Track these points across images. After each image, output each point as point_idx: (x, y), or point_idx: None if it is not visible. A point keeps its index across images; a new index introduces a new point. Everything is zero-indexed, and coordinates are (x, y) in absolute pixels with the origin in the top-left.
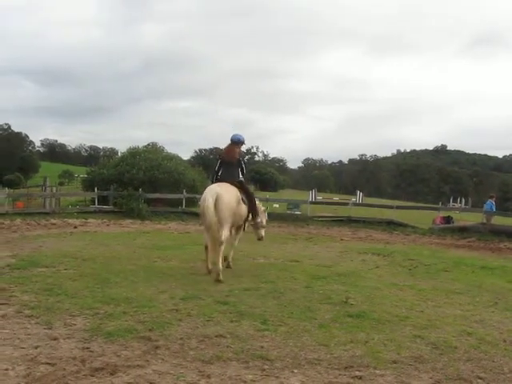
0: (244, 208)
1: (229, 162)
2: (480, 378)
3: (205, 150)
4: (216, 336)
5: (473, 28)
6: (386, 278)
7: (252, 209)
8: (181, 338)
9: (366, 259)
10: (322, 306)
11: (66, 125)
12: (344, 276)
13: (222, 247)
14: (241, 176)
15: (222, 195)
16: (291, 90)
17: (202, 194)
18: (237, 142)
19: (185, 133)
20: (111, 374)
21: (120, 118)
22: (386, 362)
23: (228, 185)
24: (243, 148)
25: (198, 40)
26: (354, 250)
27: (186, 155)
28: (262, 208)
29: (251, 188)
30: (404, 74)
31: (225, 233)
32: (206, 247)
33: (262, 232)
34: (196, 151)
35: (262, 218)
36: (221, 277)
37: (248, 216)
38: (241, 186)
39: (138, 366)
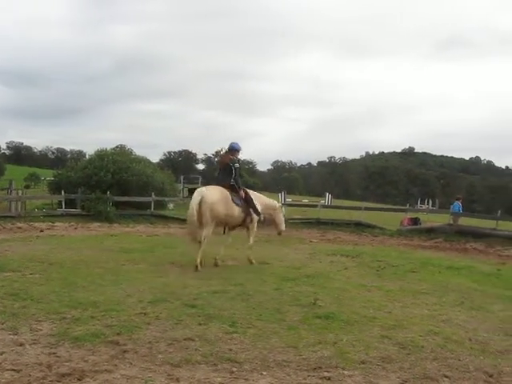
0: (237, 209)
1: (222, 168)
2: (446, 377)
3: (174, 152)
4: (184, 339)
5: (441, 31)
6: (355, 280)
7: (250, 209)
8: (149, 342)
9: (334, 261)
10: (290, 307)
11: (32, 127)
12: (313, 277)
13: (201, 245)
14: (232, 180)
15: (206, 197)
16: (262, 92)
17: (171, 196)
18: (231, 149)
19: (156, 135)
20: (78, 380)
21: (89, 120)
22: (354, 363)
23: (217, 188)
24: (241, 155)
25: (170, 41)
26: (323, 252)
27: (156, 158)
28: (278, 205)
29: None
30: (373, 76)
31: (204, 232)
32: (200, 241)
33: (283, 226)
34: (165, 154)
35: (279, 216)
36: (199, 268)
37: (247, 216)
38: (232, 189)
39: (105, 370)
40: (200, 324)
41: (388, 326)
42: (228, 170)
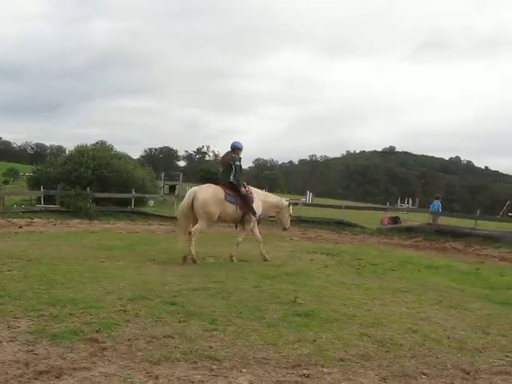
0: (231, 206)
1: (224, 166)
2: (424, 375)
3: (155, 149)
4: (164, 336)
5: (423, 33)
6: (335, 278)
7: (245, 207)
8: (128, 339)
9: (314, 259)
10: (270, 305)
11: (11, 122)
12: (293, 275)
13: (191, 237)
14: (231, 178)
15: (198, 194)
16: (243, 89)
17: (151, 193)
18: (233, 148)
19: (136, 131)
20: (56, 378)
21: (69, 115)
22: (333, 360)
23: (210, 186)
24: (243, 153)
25: (151, 38)
26: (304, 250)
27: (136, 154)
28: (285, 203)
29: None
30: (355, 75)
31: (196, 226)
32: (190, 233)
33: (288, 224)
34: (146, 150)
35: (285, 214)
36: (195, 258)
37: (245, 213)
38: (231, 187)
39: (84, 368)
40: (180, 321)
41: (367, 324)
42: (229, 168)
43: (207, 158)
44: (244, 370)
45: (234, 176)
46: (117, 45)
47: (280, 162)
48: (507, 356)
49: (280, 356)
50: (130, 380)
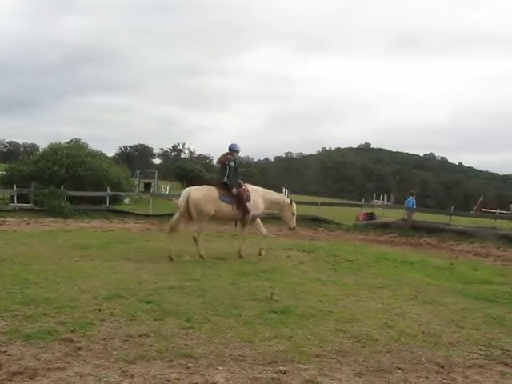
0: (225, 206)
1: (220, 167)
2: (399, 369)
3: (130, 147)
4: (140, 335)
5: (396, 30)
6: (310, 274)
7: (240, 206)
8: (104, 339)
9: (290, 255)
10: (246, 302)
11: None
12: (269, 272)
13: (196, 236)
14: (225, 178)
15: (191, 195)
16: (219, 87)
17: (126, 191)
18: (230, 149)
19: (111, 129)
20: (30, 378)
21: (42, 112)
22: (309, 356)
23: (204, 186)
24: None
25: (125, 34)
26: (280, 247)
27: (111, 152)
28: (286, 201)
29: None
30: (330, 72)
31: (194, 228)
32: (194, 238)
33: (292, 223)
34: (121, 148)
35: (287, 212)
36: (202, 253)
37: (242, 212)
38: (222, 187)
39: (58, 368)
40: (155, 320)
41: (343, 320)
42: (224, 168)
43: (183, 155)
44: (220, 368)
45: (228, 176)
46: (91, 41)
47: (256, 159)
48: (481, 349)
49: (256, 353)
50: (105, 379)
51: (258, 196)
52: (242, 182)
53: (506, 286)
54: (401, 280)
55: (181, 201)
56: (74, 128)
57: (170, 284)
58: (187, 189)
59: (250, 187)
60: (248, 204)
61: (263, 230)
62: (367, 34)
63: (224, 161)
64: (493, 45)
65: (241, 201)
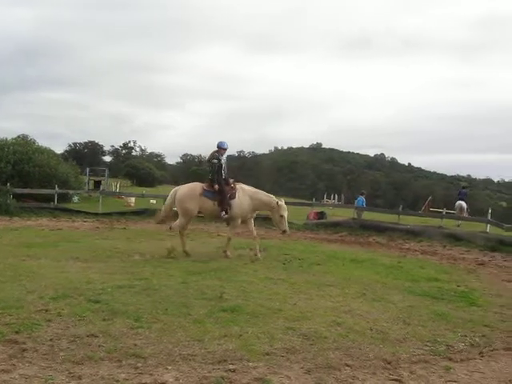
0: (210, 202)
1: (208, 165)
2: (348, 366)
3: (80, 143)
4: (87, 335)
5: (345, 31)
6: (261, 273)
7: (220, 203)
8: (50, 340)
9: (242, 254)
10: (196, 301)
11: None
12: (219, 271)
13: (175, 232)
14: (210, 175)
15: (177, 193)
16: (170, 84)
17: (75, 189)
18: (218, 147)
19: (60, 125)
20: None
21: None
22: (259, 354)
23: (189, 184)
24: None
25: (75, 28)
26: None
27: (60, 149)
28: (275, 203)
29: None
30: (282, 72)
31: (176, 222)
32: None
33: (282, 226)
34: (70, 145)
35: (275, 214)
36: (186, 248)
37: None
38: (208, 183)
39: (2, 371)
40: (104, 320)
41: (293, 318)
42: (209, 166)
43: (134, 153)
44: (169, 367)
45: (211, 173)
46: (40, 34)
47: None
48: (426, 345)
49: (206, 352)
50: (51, 381)
51: (245, 195)
52: (231, 180)
53: (452, 283)
54: (350, 278)
55: (168, 199)
56: (21, 124)
57: (119, 283)
58: (176, 188)
59: (240, 186)
60: (232, 202)
61: (232, 232)
62: (317, 34)
63: (210, 158)
64: (439, 49)
65: (222, 198)
